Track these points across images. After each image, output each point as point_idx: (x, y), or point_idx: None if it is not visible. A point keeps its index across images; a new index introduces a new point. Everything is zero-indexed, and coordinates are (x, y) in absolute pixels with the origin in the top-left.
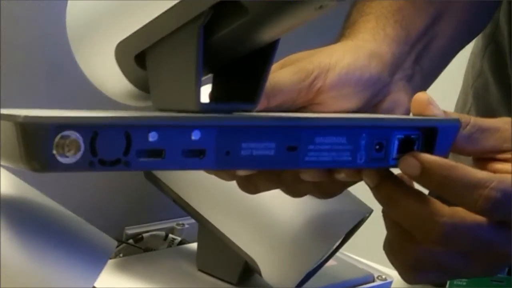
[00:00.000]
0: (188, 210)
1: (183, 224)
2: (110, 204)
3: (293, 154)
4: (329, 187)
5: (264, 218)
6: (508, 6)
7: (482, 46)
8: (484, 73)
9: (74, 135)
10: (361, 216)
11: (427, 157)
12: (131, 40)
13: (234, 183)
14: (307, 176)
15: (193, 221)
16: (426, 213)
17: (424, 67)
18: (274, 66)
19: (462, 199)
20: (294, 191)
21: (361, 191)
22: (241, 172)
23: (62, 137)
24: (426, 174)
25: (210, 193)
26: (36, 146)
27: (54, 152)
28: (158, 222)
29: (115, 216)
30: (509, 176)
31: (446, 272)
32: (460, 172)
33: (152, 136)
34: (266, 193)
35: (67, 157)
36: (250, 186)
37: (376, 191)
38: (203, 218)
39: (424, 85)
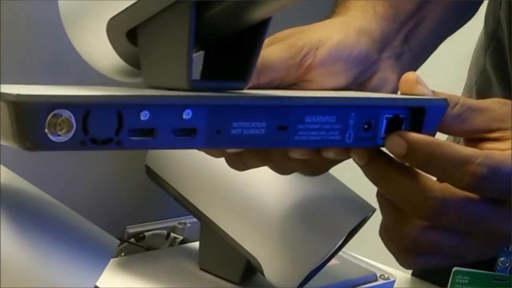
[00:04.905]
0: (190, 209)
1: (185, 223)
2: (111, 203)
3: (283, 133)
4: (316, 165)
5: (266, 217)
6: (508, 6)
7: (484, 43)
8: (487, 70)
9: (66, 113)
10: (364, 215)
11: (412, 135)
12: (123, 16)
13: (236, 182)
14: (296, 154)
15: (195, 220)
16: (416, 188)
17: (412, 48)
18: (264, 43)
19: (449, 176)
20: (282, 168)
21: (363, 190)
22: (231, 150)
23: (54, 115)
24: (412, 153)
25: (212, 191)
26: (28, 125)
27: (46, 130)
28: (160, 221)
29: (117, 215)
30: (496, 152)
31: (444, 254)
32: (446, 149)
33: (144, 115)
34: (268, 192)
35: (59, 135)
36: (239, 163)
37: (367, 169)
38: (205, 216)
39: (412, 66)
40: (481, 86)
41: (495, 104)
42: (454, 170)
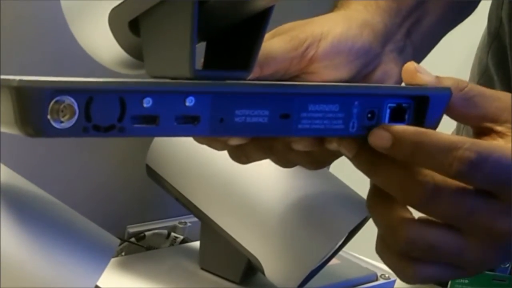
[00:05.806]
0: (191, 208)
1: (186, 223)
2: (112, 203)
3: (286, 122)
4: (319, 157)
5: (267, 216)
6: (509, 5)
7: (487, 43)
8: (489, 70)
9: (69, 100)
10: (364, 214)
11: (396, 127)
12: (125, 6)
13: (237, 181)
14: (299, 145)
15: (195, 219)
16: (408, 173)
17: (414, 42)
18: (266, 36)
19: (437, 163)
20: (284, 160)
21: (364, 189)
22: (233, 141)
23: (56, 101)
24: (398, 143)
25: (213, 191)
26: (30, 111)
27: (49, 117)
28: (160, 221)
29: (117, 214)
30: (483, 140)
31: (443, 260)
32: (432, 137)
33: (147, 102)
34: (269, 192)
35: (61, 122)
36: (241, 155)
37: (356, 160)
38: (206, 216)
39: (415, 60)
40: (483, 86)
41: (507, 96)
42: (441, 157)
